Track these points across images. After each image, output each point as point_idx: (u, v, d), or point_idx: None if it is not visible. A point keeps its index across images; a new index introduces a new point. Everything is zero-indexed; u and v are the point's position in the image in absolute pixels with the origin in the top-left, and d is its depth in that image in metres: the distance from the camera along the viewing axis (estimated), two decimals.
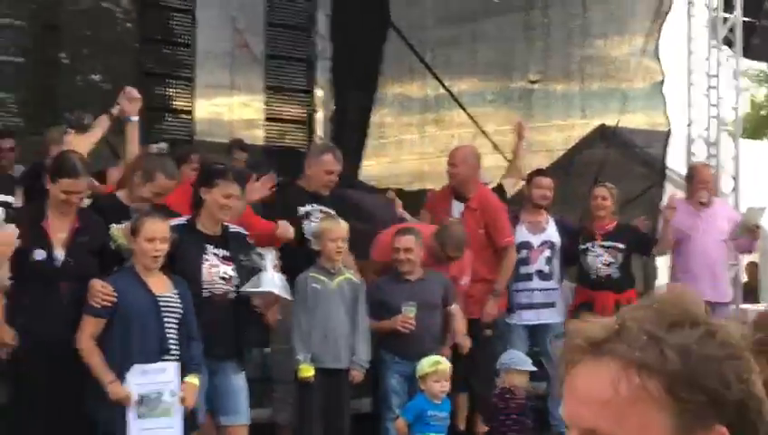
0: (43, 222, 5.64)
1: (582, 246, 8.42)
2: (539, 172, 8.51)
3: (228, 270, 5.95)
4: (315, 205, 7.17)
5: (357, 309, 6.74)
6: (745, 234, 8.94)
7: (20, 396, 5.34)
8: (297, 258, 6.84)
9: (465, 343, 7.18)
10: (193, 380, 5.49)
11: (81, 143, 6.36)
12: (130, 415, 5.31)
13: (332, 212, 7.21)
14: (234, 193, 6.07)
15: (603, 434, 1.31)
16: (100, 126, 6.71)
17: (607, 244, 8.34)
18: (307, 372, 6.47)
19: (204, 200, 6.03)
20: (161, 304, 5.52)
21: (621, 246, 8.34)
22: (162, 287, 5.59)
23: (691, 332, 1.32)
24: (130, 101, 6.73)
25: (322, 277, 6.67)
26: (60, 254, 5.58)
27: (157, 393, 5.36)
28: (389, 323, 6.97)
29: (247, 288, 6.05)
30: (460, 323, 7.19)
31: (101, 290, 5.45)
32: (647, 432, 1.30)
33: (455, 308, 7.13)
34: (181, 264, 5.76)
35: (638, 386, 1.30)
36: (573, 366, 1.37)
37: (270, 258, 6.11)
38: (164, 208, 6.22)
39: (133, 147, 6.74)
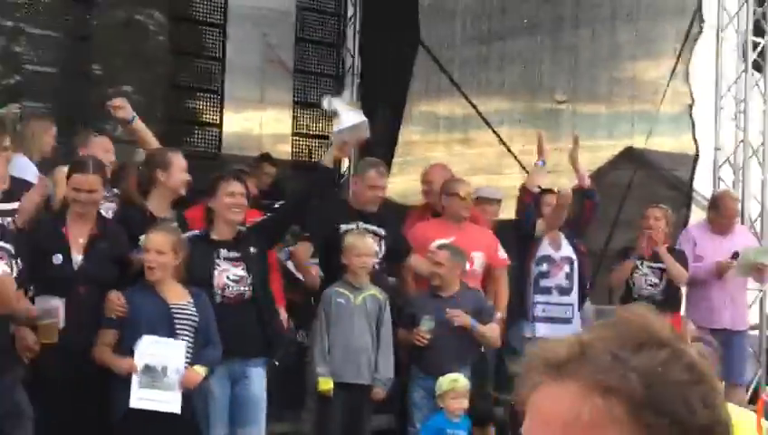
0: (62, 227, 5.69)
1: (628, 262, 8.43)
2: (551, 191, 8.41)
3: (238, 271, 6.02)
4: (361, 223, 7.17)
5: (380, 325, 6.75)
6: (748, 273, 8.90)
7: (40, 398, 5.32)
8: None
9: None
10: (199, 369, 5.54)
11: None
12: (134, 381, 5.37)
13: (376, 228, 7.25)
14: (237, 190, 6.14)
15: None
16: None
17: (655, 265, 8.33)
18: (326, 385, 6.49)
19: (213, 210, 6.12)
20: (174, 312, 5.57)
21: (671, 259, 8.31)
22: (177, 297, 5.64)
23: (657, 353, 1.29)
24: (119, 109, 6.56)
25: (347, 292, 6.70)
26: (77, 258, 5.62)
27: (162, 367, 5.42)
28: (409, 335, 7.01)
29: (340, 127, 6.63)
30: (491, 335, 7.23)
31: (116, 302, 5.54)
32: None
33: (484, 328, 7.11)
34: (193, 273, 5.80)
35: (601, 410, 1.26)
36: (535, 388, 1.32)
37: (341, 100, 6.58)
38: (183, 223, 6.28)
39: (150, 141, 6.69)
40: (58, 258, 5.59)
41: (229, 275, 5.98)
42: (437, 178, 8.14)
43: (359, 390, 6.68)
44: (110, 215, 6.44)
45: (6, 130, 6.28)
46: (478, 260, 7.69)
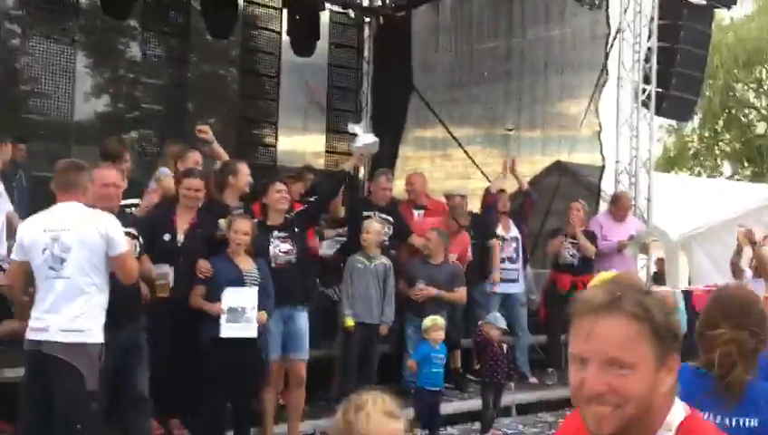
0: (172, 216, 5.77)
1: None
2: (501, 191, 8.51)
3: (286, 245, 6.08)
4: (376, 212, 7.29)
5: (387, 283, 6.80)
6: (640, 248, 9.01)
7: (153, 335, 5.25)
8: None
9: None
10: (263, 314, 5.59)
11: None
12: (222, 319, 5.45)
13: (386, 216, 7.37)
14: (281, 189, 6.25)
15: (622, 360, 1.54)
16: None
17: (575, 242, 8.32)
18: (350, 322, 6.59)
19: (267, 204, 6.23)
20: (245, 275, 5.64)
21: (584, 238, 8.31)
22: (247, 264, 5.70)
23: (654, 296, 1.60)
24: (204, 133, 6.59)
25: (364, 260, 6.75)
26: (180, 237, 5.73)
27: (241, 308, 5.49)
28: (408, 290, 7.13)
29: (358, 145, 6.84)
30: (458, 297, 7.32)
31: (204, 267, 5.63)
32: (644, 357, 1.54)
33: (448, 294, 7.18)
34: (256, 247, 5.84)
35: (639, 331, 1.55)
36: (588, 320, 1.59)
37: (360, 126, 6.91)
38: (250, 212, 6.33)
39: (223, 157, 6.67)
40: (167, 237, 5.67)
41: (280, 248, 6.05)
42: (417, 181, 8.25)
43: (371, 327, 6.76)
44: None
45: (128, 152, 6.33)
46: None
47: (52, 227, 4.37)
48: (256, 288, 5.61)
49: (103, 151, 6.05)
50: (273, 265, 5.99)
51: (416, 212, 8.03)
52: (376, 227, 6.85)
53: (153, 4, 10.07)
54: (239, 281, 5.60)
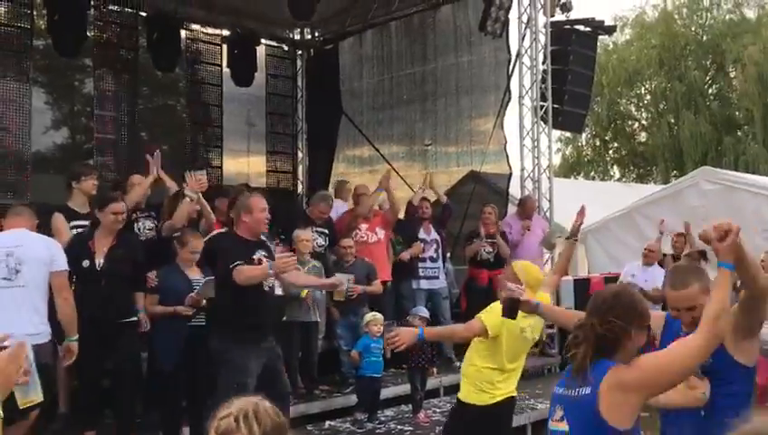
0: (89, 241, 5.14)
1: (474, 241, 8.45)
2: (424, 199, 8.49)
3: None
4: (314, 227, 7.18)
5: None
6: (547, 246, 9.13)
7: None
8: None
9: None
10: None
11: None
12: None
13: (323, 230, 7.26)
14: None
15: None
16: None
17: (489, 241, 8.39)
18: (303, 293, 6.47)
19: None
20: (193, 283, 5.46)
21: (502, 240, 8.40)
22: (196, 274, 5.54)
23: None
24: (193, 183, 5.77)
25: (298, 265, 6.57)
26: (100, 261, 5.08)
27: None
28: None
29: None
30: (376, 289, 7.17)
31: (150, 277, 5.45)
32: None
33: (369, 287, 7.03)
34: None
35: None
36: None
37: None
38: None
39: (180, 217, 5.84)
40: (86, 263, 5.13)
41: None
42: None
43: (310, 325, 6.66)
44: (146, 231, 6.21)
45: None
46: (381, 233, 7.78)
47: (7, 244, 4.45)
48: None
49: (72, 173, 5.81)
50: None
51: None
52: (306, 235, 6.69)
53: (104, 43, 9.77)
54: (188, 290, 5.40)
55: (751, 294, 2.74)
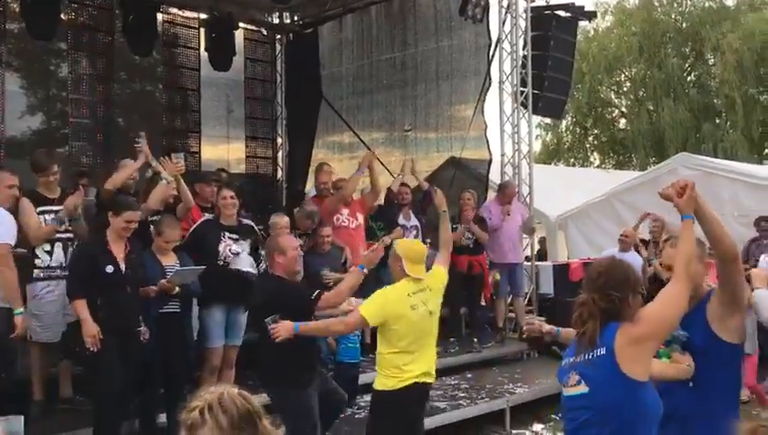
0: (107, 246, 5.00)
1: (453, 226, 8.40)
2: (403, 185, 8.47)
3: (236, 248, 5.78)
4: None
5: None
6: (526, 231, 9.15)
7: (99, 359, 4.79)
8: None
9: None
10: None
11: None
12: None
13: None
14: (227, 195, 5.92)
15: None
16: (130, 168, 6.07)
17: (467, 227, 8.36)
18: None
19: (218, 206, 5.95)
20: (167, 270, 5.39)
21: (477, 228, 8.38)
22: (170, 260, 5.49)
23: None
24: (171, 166, 5.84)
25: None
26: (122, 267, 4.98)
27: None
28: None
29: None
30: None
31: None
32: None
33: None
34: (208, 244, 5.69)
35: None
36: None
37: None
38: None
39: (155, 200, 5.81)
40: (110, 269, 5.03)
41: (231, 248, 5.82)
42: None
43: None
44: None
45: None
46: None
47: None
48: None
49: (33, 164, 5.70)
50: (221, 262, 5.72)
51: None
52: (282, 221, 6.58)
53: (79, 26, 9.60)
54: (161, 276, 5.32)
55: (720, 259, 2.90)
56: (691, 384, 3.03)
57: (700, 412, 2.97)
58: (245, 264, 5.77)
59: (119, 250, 4.97)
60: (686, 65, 28.38)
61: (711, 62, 27.51)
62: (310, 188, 9.15)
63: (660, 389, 2.80)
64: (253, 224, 6.22)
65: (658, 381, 2.86)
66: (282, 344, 4.21)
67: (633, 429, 2.59)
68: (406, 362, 4.25)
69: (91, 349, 4.70)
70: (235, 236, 5.81)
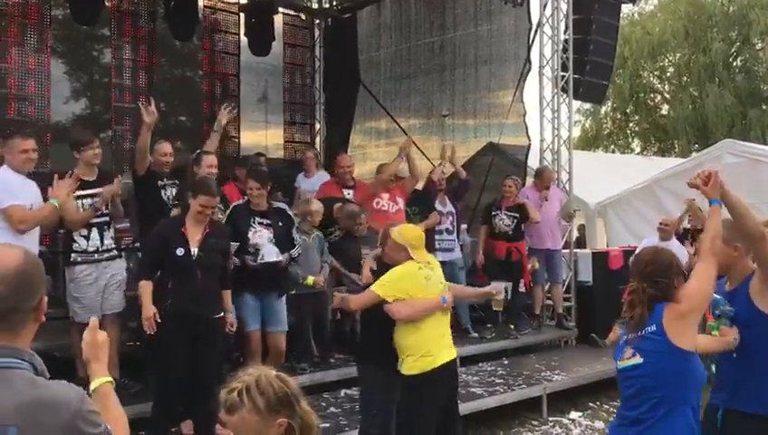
0: (182, 228, 4.92)
1: (494, 213, 8.41)
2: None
3: (268, 233, 5.72)
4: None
5: (324, 252, 6.72)
6: (565, 217, 9.05)
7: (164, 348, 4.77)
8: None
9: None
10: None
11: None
12: None
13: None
14: (253, 186, 5.79)
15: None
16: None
17: (509, 213, 8.35)
18: (309, 282, 6.40)
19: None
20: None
21: (517, 215, 8.34)
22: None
23: None
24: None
25: (305, 235, 6.52)
26: (195, 250, 4.89)
27: None
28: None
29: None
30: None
31: None
32: None
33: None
34: (237, 229, 5.63)
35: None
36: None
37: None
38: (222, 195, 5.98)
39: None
40: (180, 251, 4.92)
41: (260, 234, 5.82)
42: (346, 162, 7.90)
43: (319, 294, 6.63)
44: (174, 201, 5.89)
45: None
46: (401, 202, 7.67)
47: None
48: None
49: (74, 140, 5.75)
50: (251, 250, 5.66)
51: (345, 191, 7.62)
52: (315, 207, 6.66)
53: (122, 12, 9.74)
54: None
55: (748, 239, 3.16)
56: (735, 355, 3.31)
57: (745, 378, 3.26)
58: (271, 254, 5.70)
59: (195, 233, 4.85)
60: (732, 50, 27.66)
61: (758, 46, 26.76)
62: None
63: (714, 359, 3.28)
64: (285, 207, 6.19)
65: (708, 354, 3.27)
66: (381, 335, 4.42)
67: (681, 393, 2.98)
68: (428, 341, 4.36)
69: (147, 332, 4.69)
70: (266, 220, 5.78)
